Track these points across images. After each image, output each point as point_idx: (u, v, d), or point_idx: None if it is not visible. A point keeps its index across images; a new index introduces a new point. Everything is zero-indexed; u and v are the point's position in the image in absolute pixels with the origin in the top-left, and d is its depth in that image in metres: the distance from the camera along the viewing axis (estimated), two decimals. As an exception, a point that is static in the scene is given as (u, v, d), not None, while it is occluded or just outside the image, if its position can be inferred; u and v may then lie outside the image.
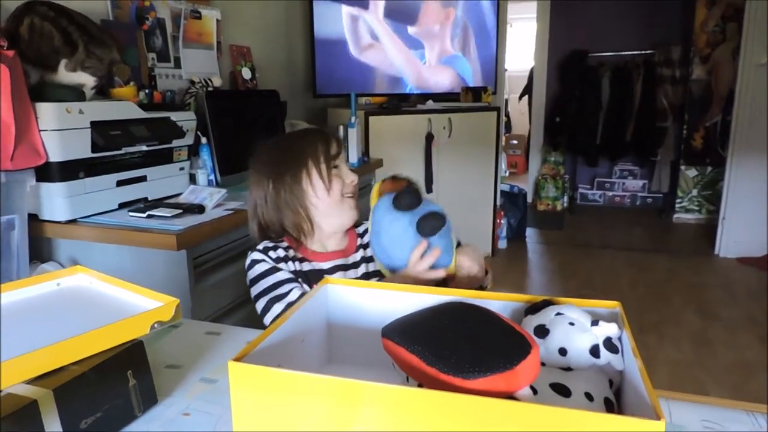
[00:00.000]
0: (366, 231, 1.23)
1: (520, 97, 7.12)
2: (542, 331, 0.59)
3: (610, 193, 5.57)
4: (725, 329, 2.89)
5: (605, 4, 5.14)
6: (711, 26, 4.62)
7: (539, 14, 5.38)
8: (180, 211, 1.59)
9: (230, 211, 1.65)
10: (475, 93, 3.56)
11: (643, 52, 5.00)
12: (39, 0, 1.61)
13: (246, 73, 2.72)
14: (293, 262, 1.13)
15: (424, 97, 3.63)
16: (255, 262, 1.12)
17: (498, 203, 4.06)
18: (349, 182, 1.17)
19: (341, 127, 2.61)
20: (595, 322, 0.59)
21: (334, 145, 1.17)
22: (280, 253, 1.12)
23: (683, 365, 2.54)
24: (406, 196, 1.01)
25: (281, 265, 1.11)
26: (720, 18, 4.58)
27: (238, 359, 0.53)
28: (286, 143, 1.22)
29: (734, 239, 4.03)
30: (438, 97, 3.67)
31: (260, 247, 1.14)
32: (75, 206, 1.53)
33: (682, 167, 4.96)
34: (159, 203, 1.69)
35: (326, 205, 1.14)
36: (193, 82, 2.34)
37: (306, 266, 1.14)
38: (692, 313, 3.11)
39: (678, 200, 5.02)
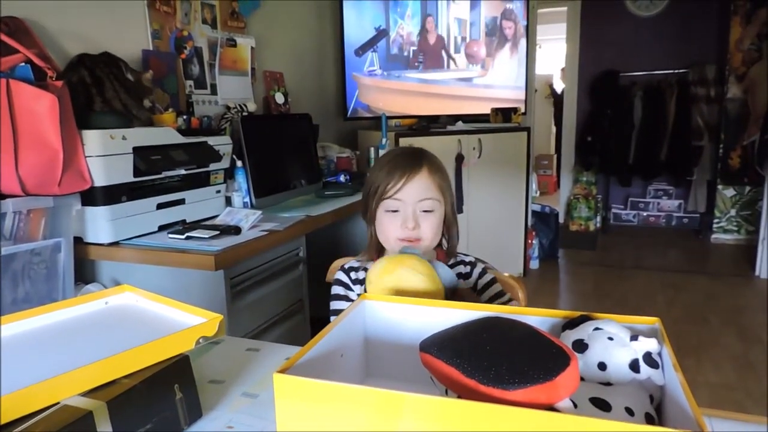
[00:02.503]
0: (457, 264, 1.17)
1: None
2: (581, 346, 0.60)
3: (645, 213, 5.48)
4: (767, 352, 2.80)
5: (636, 23, 5.11)
6: (746, 44, 4.55)
7: (569, 35, 5.38)
8: (217, 232, 1.63)
9: (265, 232, 1.69)
10: (505, 114, 3.57)
11: (677, 71, 4.94)
12: (89, 56, 1.71)
13: (279, 98, 2.79)
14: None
15: (454, 118, 3.65)
16: (336, 281, 1.17)
17: (529, 223, 4.04)
18: (402, 231, 1.07)
19: (372, 149, 2.64)
20: (634, 337, 0.59)
21: (393, 187, 1.07)
22: (360, 275, 1.15)
23: (724, 388, 2.47)
24: None
25: (356, 287, 1.14)
26: (756, 36, 4.51)
27: (281, 371, 0.55)
28: (382, 162, 1.15)
29: (776, 260, 3.92)
30: (468, 118, 3.69)
31: (346, 266, 1.18)
32: (117, 229, 1.58)
33: (720, 187, 4.85)
34: (197, 225, 1.73)
35: (382, 239, 1.12)
36: (228, 108, 2.41)
37: None
38: (732, 335, 3.02)
39: (716, 220, 4.91)
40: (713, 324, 3.18)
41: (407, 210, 1.07)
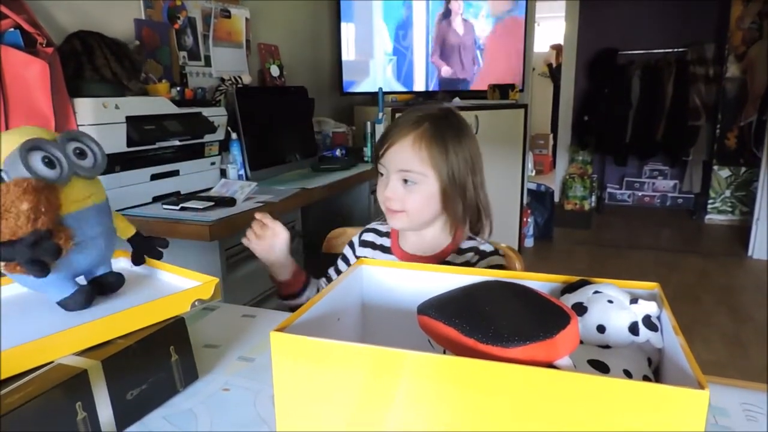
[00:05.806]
0: (467, 251, 1.10)
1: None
2: (580, 309, 0.59)
3: (640, 193, 5.49)
4: (758, 331, 2.83)
5: (635, 1, 5.06)
6: (747, 23, 4.51)
7: (568, 13, 5.33)
8: (212, 203, 1.62)
9: (261, 204, 1.67)
10: (503, 90, 3.54)
11: (675, 50, 4.91)
12: (84, 32, 1.68)
13: (274, 71, 2.75)
14: (379, 250, 1.14)
15: (451, 94, 3.62)
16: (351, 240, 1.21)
17: (525, 202, 4.04)
18: (385, 197, 1.05)
19: (368, 124, 2.62)
20: (634, 300, 0.58)
21: (381, 150, 1.05)
22: (374, 238, 1.16)
23: (715, 366, 2.49)
24: None
25: (359, 250, 1.16)
26: (757, 15, 4.47)
27: (279, 330, 0.54)
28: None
29: (769, 240, 3.94)
30: (465, 94, 3.66)
31: (369, 225, 1.19)
32: (111, 200, 1.56)
33: (715, 167, 4.86)
34: (191, 196, 1.72)
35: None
36: (223, 80, 2.38)
37: (386, 258, 1.11)
38: (724, 314, 3.04)
39: (710, 201, 4.92)
40: (706, 303, 3.20)
41: (389, 177, 1.04)
